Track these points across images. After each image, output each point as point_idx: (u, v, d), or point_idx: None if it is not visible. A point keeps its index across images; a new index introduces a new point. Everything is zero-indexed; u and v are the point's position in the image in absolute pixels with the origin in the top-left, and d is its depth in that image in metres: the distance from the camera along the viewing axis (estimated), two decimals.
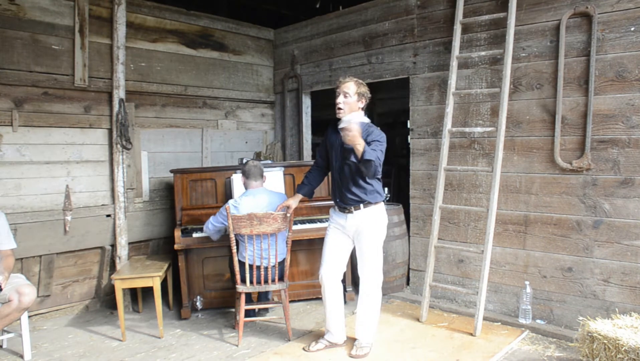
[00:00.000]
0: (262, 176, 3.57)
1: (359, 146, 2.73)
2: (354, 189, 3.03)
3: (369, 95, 3.09)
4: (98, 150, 4.25)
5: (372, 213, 3.09)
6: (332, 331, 3.27)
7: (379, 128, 3.06)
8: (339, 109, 3.02)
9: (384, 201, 3.19)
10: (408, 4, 4.30)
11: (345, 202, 3.09)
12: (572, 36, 3.37)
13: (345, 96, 3.00)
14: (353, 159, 2.85)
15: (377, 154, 2.82)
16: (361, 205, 3.06)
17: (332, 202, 3.25)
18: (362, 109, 3.11)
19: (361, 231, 3.09)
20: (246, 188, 3.60)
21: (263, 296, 3.92)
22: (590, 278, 3.37)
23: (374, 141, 2.91)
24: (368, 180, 3.03)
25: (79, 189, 4.14)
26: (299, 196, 3.36)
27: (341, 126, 2.87)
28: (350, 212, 3.08)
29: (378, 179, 3.09)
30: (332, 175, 3.23)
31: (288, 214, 3.33)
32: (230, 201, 3.51)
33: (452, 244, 3.99)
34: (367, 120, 3.11)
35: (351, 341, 3.29)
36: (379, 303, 3.21)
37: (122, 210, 4.27)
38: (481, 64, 3.85)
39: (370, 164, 2.77)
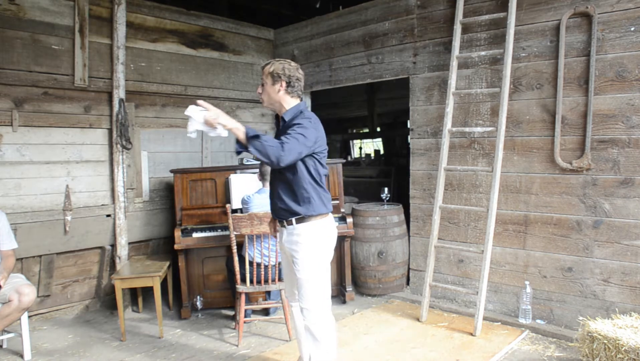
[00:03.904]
0: None
1: (223, 121, 2.13)
2: (284, 197, 2.46)
3: (292, 73, 2.45)
4: (98, 150, 4.25)
5: (306, 229, 2.45)
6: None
7: (314, 115, 2.50)
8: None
9: (330, 212, 2.53)
10: (408, 4, 4.30)
11: (276, 213, 2.55)
12: (572, 36, 3.37)
13: (262, 84, 2.49)
14: (239, 148, 2.25)
15: (287, 138, 2.23)
16: (293, 219, 2.46)
17: None
18: (290, 92, 2.46)
19: (296, 250, 2.48)
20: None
21: (268, 296, 3.95)
22: (590, 278, 3.37)
23: (294, 125, 2.33)
24: (304, 186, 2.40)
25: (79, 189, 4.14)
26: None
27: (187, 112, 2.19)
28: (283, 226, 2.53)
29: (320, 186, 2.46)
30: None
31: None
32: (245, 196, 3.62)
33: (452, 244, 3.99)
34: (302, 107, 2.50)
35: None
36: (326, 337, 2.47)
37: (122, 210, 4.27)
38: (481, 64, 3.85)
39: (259, 142, 2.16)
